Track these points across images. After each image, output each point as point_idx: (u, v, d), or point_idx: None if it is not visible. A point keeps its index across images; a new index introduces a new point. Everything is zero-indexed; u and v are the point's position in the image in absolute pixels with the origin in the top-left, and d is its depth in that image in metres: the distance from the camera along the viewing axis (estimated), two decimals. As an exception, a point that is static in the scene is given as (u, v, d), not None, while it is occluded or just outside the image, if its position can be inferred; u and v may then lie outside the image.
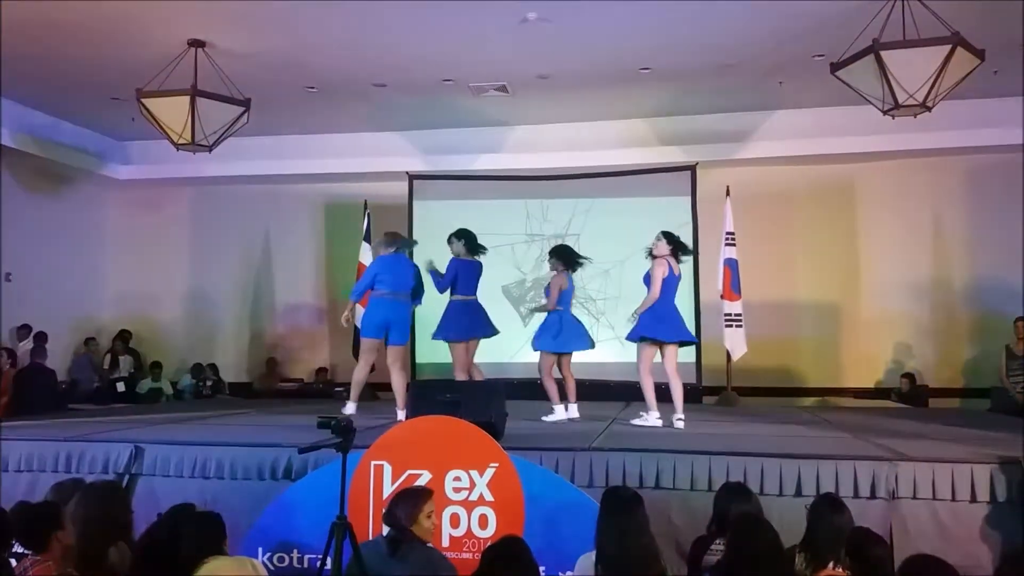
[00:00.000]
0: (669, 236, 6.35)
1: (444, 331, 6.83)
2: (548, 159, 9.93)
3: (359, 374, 6.57)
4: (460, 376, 6.65)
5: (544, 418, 6.50)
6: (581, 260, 6.87)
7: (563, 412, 6.62)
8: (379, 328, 6.43)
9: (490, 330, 6.97)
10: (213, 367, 10.92)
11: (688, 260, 8.91)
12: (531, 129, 10.02)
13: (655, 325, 6.21)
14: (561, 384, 6.77)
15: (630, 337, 6.33)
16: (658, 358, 6.31)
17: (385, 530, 3.72)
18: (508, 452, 4.28)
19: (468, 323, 6.80)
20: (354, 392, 6.57)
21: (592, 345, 6.84)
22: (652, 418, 6.21)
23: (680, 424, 6.16)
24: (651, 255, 6.37)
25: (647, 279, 6.35)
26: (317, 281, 11.32)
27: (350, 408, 6.43)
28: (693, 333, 8.90)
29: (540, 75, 8.44)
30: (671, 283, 6.29)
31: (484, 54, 7.92)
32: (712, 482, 4.40)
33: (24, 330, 9.47)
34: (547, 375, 6.68)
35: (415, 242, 7.53)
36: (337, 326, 10.94)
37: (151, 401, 10.07)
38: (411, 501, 3.66)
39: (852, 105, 7.35)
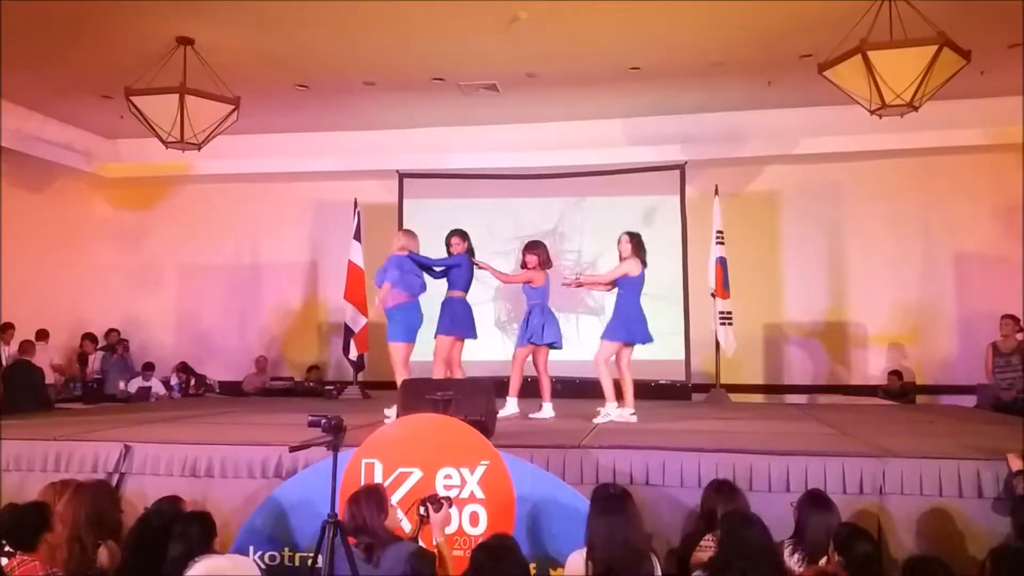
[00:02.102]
0: (634, 236, 6.39)
1: (460, 328, 6.72)
2: (537, 158, 9.95)
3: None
4: (441, 373, 6.64)
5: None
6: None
7: (515, 407, 6.57)
8: (415, 332, 6.48)
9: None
10: (185, 366, 10.86)
11: (678, 260, 9.07)
12: (520, 128, 10.04)
13: (631, 327, 6.26)
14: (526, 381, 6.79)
15: (611, 337, 6.31)
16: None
17: None
18: (499, 450, 4.29)
19: (472, 320, 6.81)
20: None
21: (560, 345, 6.82)
22: (612, 409, 6.24)
23: (634, 418, 6.21)
24: (621, 257, 6.43)
25: (621, 282, 6.37)
26: (307, 279, 11.29)
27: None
28: (681, 331, 9.05)
29: (529, 74, 8.45)
30: (638, 283, 6.33)
31: (474, 53, 7.93)
32: (702, 479, 4.42)
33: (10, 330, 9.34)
34: (517, 367, 6.69)
35: None
36: (327, 325, 11.01)
37: (140, 400, 10.02)
38: (374, 499, 3.66)
39: (840, 105, 7.38)
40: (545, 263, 6.79)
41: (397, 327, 6.45)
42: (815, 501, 3.64)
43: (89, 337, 10.79)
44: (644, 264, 6.36)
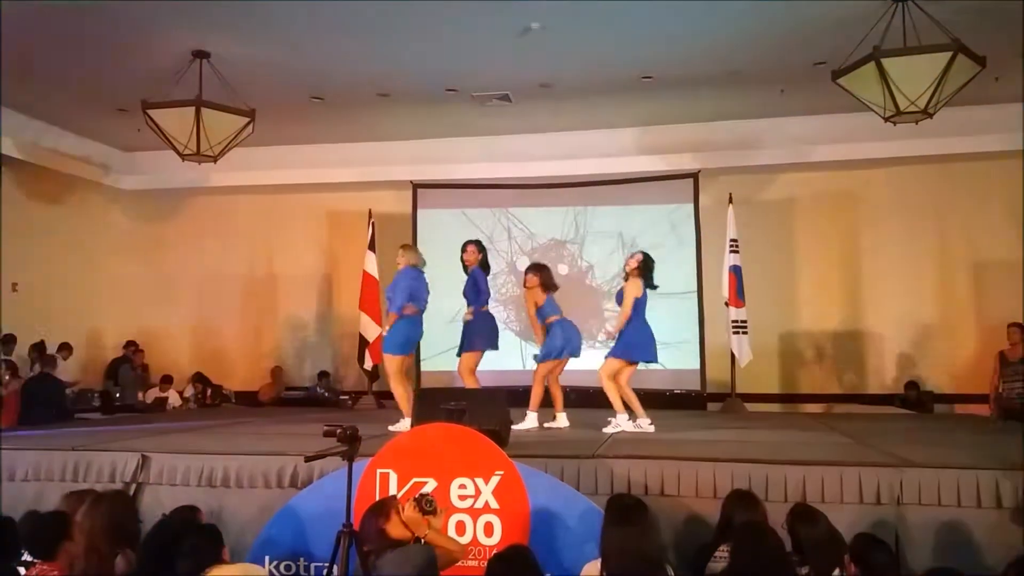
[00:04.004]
0: (644, 259, 6.39)
1: (490, 340, 6.73)
2: (551, 167, 9.97)
3: (405, 391, 6.38)
4: (472, 384, 6.61)
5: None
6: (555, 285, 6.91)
7: (534, 421, 6.53)
8: (412, 345, 6.48)
9: None
10: (202, 376, 10.92)
11: (692, 270, 9.06)
12: (534, 138, 10.06)
13: (639, 348, 6.28)
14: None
15: (618, 356, 6.30)
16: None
17: None
18: (513, 460, 4.29)
19: (492, 333, 6.79)
20: (407, 408, 6.22)
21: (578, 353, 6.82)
22: (622, 420, 6.23)
23: (652, 428, 6.21)
24: (626, 275, 6.44)
25: (620, 297, 6.42)
26: (321, 290, 11.34)
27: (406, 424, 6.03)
28: (696, 341, 9.03)
29: (543, 84, 8.48)
30: (643, 303, 6.35)
31: (487, 64, 7.96)
32: (717, 489, 4.41)
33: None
34: (538, 382, 6.66)
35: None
36: (342, 335, 11.05)
37: (157, 411, 10.09)
38: (373, 509, 3.68)
39: (854, 112, 7.36)
40: (547, 286, 6.72)
41: (393, 339, 6.41)
42: (797, 517, 3.61)
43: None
44: (648, 285, 6.37)
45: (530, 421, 6.52)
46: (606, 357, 6.40)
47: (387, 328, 6.47)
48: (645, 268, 6.36)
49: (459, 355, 6.78)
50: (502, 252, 9.80)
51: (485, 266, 6.87)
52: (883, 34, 6.20)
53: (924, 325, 9.69)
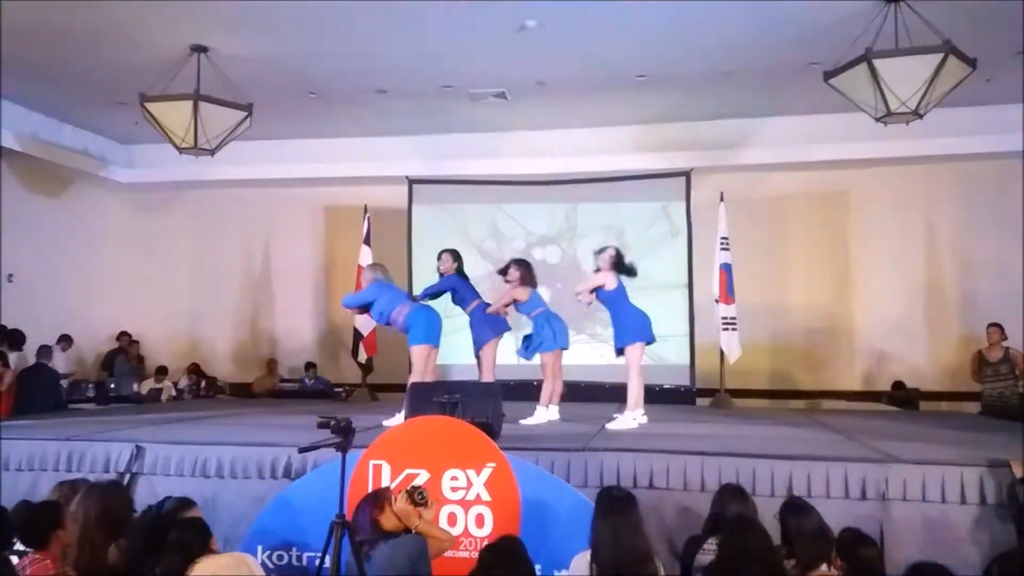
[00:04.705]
0: (616, 254, 6.48)
1: (499, 324, 6.81)
2: (545, 164, 10.02)
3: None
4: (490, 377, 6.65)
5: (523, 421, 6.26)
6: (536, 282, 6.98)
7: (545, 416, 6.56)
8: (434, 334, 6.43)
9: None
10: (197, 368, 10.94)
11: (683, 267, 9.12)
12: (529, 135, 10.09)
13: (644, 328, 6.35)
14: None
15: (637, 339, 6.34)
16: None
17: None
18: (504, 452, 4.33)
19: (496, 320, 6.87)
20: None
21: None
22: (639, 415, 6.29)
23: (645, 418, 6.29)
24: (597, 268, 6.53)
25: (601, 295, 6.47)
26: (317, 283, 11.37)
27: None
28: (687, 337, 9.09)
29: (538, 82, 8.51)
30: (623, 291, 6.43)
31: (483, 61, 7.99)
32: (705, 483, 4.47)
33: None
34: (550, 374, 6.67)
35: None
36: (335, 328, 11.09)
37: (152, 402, 10.11)
38: (368, 500, 3.73)
39: (846, 112, 7.40)
40: (525, 280, 6.79)
41: (418, 330, 6.35)
42: (791, 510, 3.67)
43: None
44: (626, 272, 6.46)
45: (539, 416, 6.51)
46: (624, 349, 6.38)
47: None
48: (619, 261, 6.44)
49: (477, 354, 6.81)
50: (492, 249, 9.85)
51: (462, 273, 6.93)
52: (875, 35, 6.25)
53: (912, 323, 9.76)
